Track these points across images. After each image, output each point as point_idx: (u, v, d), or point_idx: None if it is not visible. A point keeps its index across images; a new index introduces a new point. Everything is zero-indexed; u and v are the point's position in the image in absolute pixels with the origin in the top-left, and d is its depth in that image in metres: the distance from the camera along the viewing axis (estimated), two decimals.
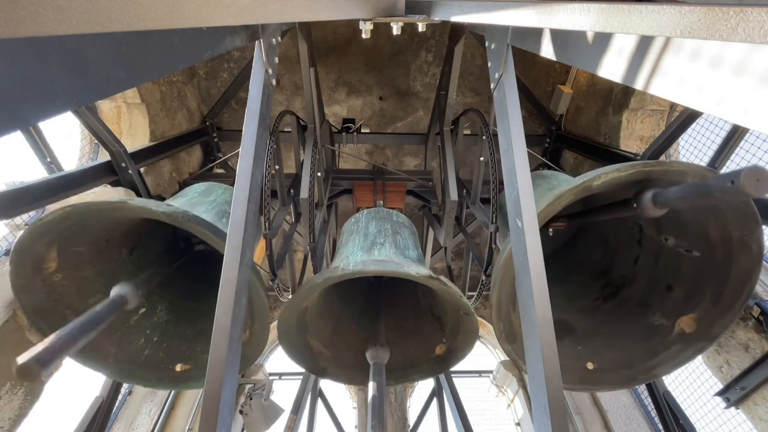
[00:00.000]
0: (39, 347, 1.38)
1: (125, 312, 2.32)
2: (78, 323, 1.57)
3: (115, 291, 1.92)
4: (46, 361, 1.36)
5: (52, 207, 3.06)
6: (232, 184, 3.82)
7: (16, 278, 2.08)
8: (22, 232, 1.95)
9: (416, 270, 2.02)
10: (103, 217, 2.12)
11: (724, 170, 3.27)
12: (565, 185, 1.91)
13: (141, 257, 2.69)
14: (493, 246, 2.85)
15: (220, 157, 4.92)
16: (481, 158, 3.17)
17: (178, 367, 2.48)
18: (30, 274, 2.09)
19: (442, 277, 2.05)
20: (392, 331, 2.69)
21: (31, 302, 2.17)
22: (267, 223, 2.74)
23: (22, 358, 1.31)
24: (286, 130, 3.46)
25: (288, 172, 3.76)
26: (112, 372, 2.40)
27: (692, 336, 2.21)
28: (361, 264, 2.08)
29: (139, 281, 2.02)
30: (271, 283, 3.04)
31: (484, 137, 3.03)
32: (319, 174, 3.38)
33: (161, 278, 2.58)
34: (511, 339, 2.24)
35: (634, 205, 1.82)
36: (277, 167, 3.07)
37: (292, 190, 3.64)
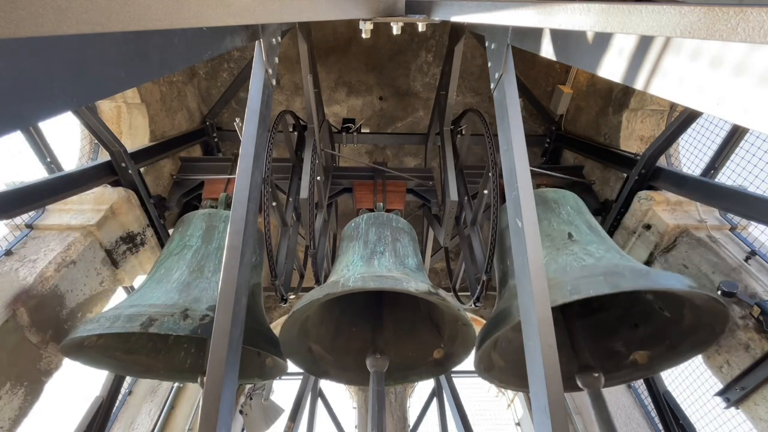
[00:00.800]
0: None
1: (163, 336, 2.72)
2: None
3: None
4: None
5: (52, 207, 3.06)
6: (229, 183, 3.79)
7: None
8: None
9: (415, 285, 2.03)
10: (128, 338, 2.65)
11: (723, 171, 3.27)
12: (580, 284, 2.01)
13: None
14: (493, 247, 2.85)
15: (220, 157, 4.92)
16: (485, 191, 3.12)
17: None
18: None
19: (441, 291, 2.07)
20: (391, 334, 2.70)
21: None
22: (273, 272, 2.89)
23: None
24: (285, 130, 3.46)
25: (286, 168, 3.76)
26: (167, 379, 3.02)
27: (641, 366, 2.60)
28: (361, 279, 2.08)
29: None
30: (274, 293, 3.06)
31: (487, 144, 3.02)
32: (319, 178, 3.38)
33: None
34: (488, 369, 2.70)
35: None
36: (275, 203, 3.10)
37: (291, 194, 3.64)
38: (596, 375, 2.13)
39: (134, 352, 2.68)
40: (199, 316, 2.10)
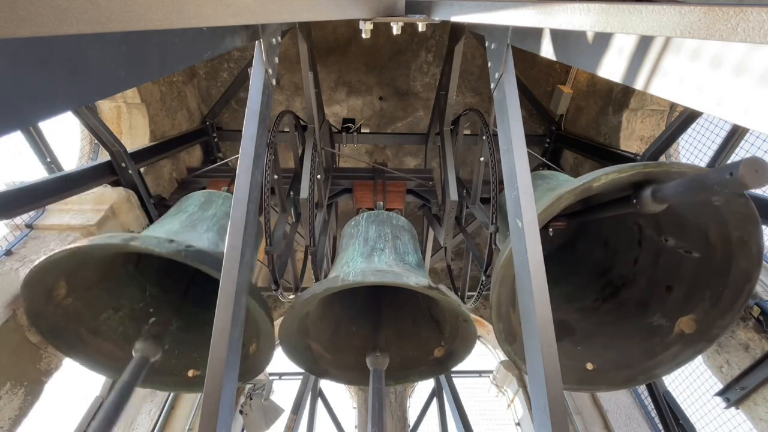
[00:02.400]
0: None
1: (137, 322, 2.51)
2: (114, 401, 1.73)
3: (136, 352, 2.02)
4: None
5: (52, 207, 3.06)
6: (232, 182, 3.80)
7: (30, 307, 2.18)
8: (29, 268, 2.03)
9: (416, 280, 2.03)
10: (107, 251, 2.21)
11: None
12: (565, 186, 1.91)
13: (147, 269, 2.73)
14: (493, 246, 2.85)
15: (221, 158, 4.92)
16: (481, 158, 3.17)
17: (190, 373, 2.56)
18: (42, 302, 2.20)
19: (442, 286, 2.06)
20: (392, 333, 2.69)
21: (47, 325, 2.26)
22: (268, 240, 2.73)
23: None
24: (286, 130, 3.46)
25: (287, 169, 3.76)
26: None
27: (692, 336, 2.21)
28: (360, 274, 2.08)
29: (155, 333, 2.14)
30: (273, 291, 3.04)
31: (484, 137, 3.03)
32: (319, 176, 3.38)
33: (169, 293, 2.61)
34: (510, 339, 2.24)
35: (634, 201, 1.82)
36: (276, 176, 3.06)
37: (291, 192, 3.64)
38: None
39: (102, 334, 2.46)
40: (185, 245, 2.01)
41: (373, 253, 2.55)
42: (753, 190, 2.13)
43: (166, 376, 2.53)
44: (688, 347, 2.23)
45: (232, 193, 3.51)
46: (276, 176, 3.05)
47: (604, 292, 2.64)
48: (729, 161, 3.21)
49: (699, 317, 2.18)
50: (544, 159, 5.10)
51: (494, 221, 2.83)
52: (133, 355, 2.03)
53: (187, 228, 2.48)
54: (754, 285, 2.04)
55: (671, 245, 2.29)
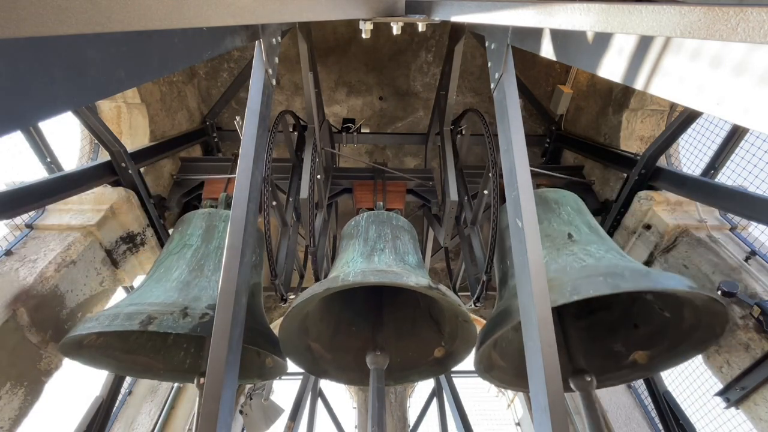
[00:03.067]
0: None
1: (162, 334, 2.70)
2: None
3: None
4: None
5: (52, 207, 3.06)
6: (229, 183, 3.79)
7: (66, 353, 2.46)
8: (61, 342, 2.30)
9: (416, 280, 2.02)
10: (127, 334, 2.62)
11: (723, 171, 3.27)
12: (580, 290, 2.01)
13: None
14: (493, 247, 2.85)
15: (220, 157, 4.92)
16: (485, 191, 3.13)
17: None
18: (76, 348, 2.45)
19: (441, 286, 2.06)
20: (392, 333, 2.69)
21: (88, 357, 2.53)
22: (273, 271, 2.89)
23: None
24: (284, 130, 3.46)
25: (286, 168, 3.76)
26: (166, 380, 2.95)
27: (642, 365, 2.59)
28: (361, 274, 2.08)
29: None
30: (274, 293, 3.06)
31: (487, 144, 3.03)
32: (319, 176, 3.38)
33: None
34: (488, 369, 2.68)
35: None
36: (274, 203, 3.09)
37: (291, 191, 3.64)
38: (588, 379, 2.13)
39: (133, 351, 2.68)
40: (199, 314, 2.10)
41: (373, 253, 2.55)
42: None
43: (194, 374, 2.69)
44: (635, 372, 2.65)
45: (229, 195, 3.53)
46: (275, 202, 3.09)
47: (581, 309, 2.78)
48: (729, 161, 3.22)
49: (653, 354, 2.55)
50: (543, 160, 5.11)
51: (488, 270, 2.85)
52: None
53: (195, 273, 2.53)
54: (707, 349, 2.46)
55: (649, 299, 2.58)
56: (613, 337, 2.72)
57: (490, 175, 2.97)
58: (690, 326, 2.37)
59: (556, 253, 2.48)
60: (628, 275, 2.00)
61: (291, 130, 3.56)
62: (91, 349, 2.48)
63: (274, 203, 3.05)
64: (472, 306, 3.14)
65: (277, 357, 2.48)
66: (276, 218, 3.28)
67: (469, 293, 3.29)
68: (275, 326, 5.31)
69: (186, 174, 4.10)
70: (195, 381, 2.35)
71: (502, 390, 6.72)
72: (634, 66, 0.85)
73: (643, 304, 2.62)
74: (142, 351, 2.71)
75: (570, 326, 2.54)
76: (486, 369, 2.68)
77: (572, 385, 2.19)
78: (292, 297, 3.54)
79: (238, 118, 3.09)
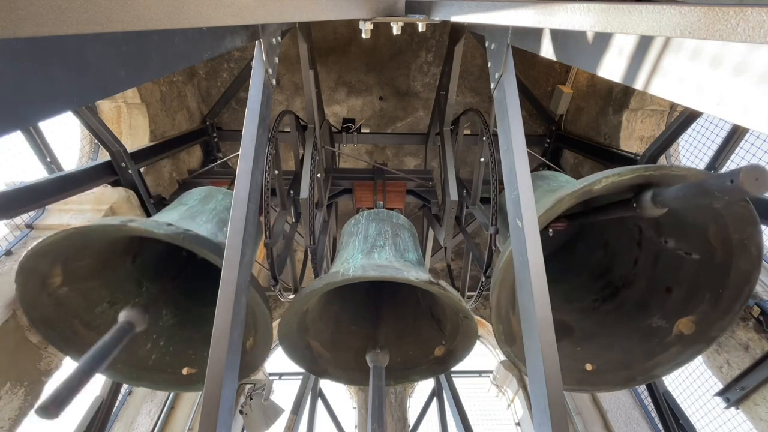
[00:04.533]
0: (56, 388, 1.45)
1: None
2: (89, 358, 1.63)
3: (122, 317, 1.93)
4: (63, 401, 1.45)
5: (52, 207, 3.06)
6: (232, 183, 3.80)
7: (23, 295, 2.11)
8: (24, 252, 1.98)
9: (416, 275, 2.02)
10: (105, 235, 2.16)
11: (723, 170, 3.27)
12: (565, 188, 1.91)
13: (145, 264, 2.70)
14: (493, 247, 2.85)
15: (221, 158, 4.92)
16: (481, 159, 3.17)
17: (185, 371, 2.51)
18: (36, 290, 2.13)
19: (442, 282, 2.06)
20: (392, 332, 2.69)
21: (40, 315, 2.20)
22: (267, 232, 2.75)
23: (41, 401, 1.39)
24: (286, 130, 3.46)
25: (287, 170, 3.77)
26: (122, 377, 2.45)
27: (691, 338, 2.21)
28: (361, 269, 2.08)
29: (145, 303, 2.03)
30: (272, 288, 3.04)
31: (484, 138, 3.03)
32: (319, 175, 3.38)
33: (166, 289, 2.59)
34: (510, 341, 2.24)
35: (634, 204, 1.82)
36: (276, 171, 3.06)
37: (291, 191, 3.64)
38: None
39: (95, 328, 2.39)
40: (183, 228, 1.99)
41: (373, 250, 2.55)
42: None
43: (161, 374, 2.49)
44: (686, 348, 2.23)
45: (229, 189, 3.50)
46: (277, 171, 3.05)
47: (603, 293, 2.64)
48: (729, 161, 3.22)
49: (698, 319, 2.19)
50: (544, 159, 5.11)
51: (494, 222, 2.83)
52: (119, 320, 1.93)
53: (185, 219, 2.46)
54: (754, 286, 2.03)
55: (671, 247, 2.29)
56: (647, 311, 2.39)
57: (490, 175, 2.97)
58: (725, 259, 2.03)
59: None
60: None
61: (291, 130, 3.56)
62: (50, 303, 2.19)
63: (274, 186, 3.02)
64: (472, 306, 3.14)
65: (258, 336, 2.33)
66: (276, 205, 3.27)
67: (471, 293, 3.29)
68: (275, 326, 5.30)
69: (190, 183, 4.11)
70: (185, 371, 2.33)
71: (502, 390, 6.72)
72: (634, 66, 0.85)
73: (668, 257, 2.30)
74: (105, 330, 2.50)
75: (583, 321, 2.43)
76: (508, 341, 2.23)
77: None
78: (291, 297, 3.54)
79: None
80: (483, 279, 2.95)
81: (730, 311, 2.09)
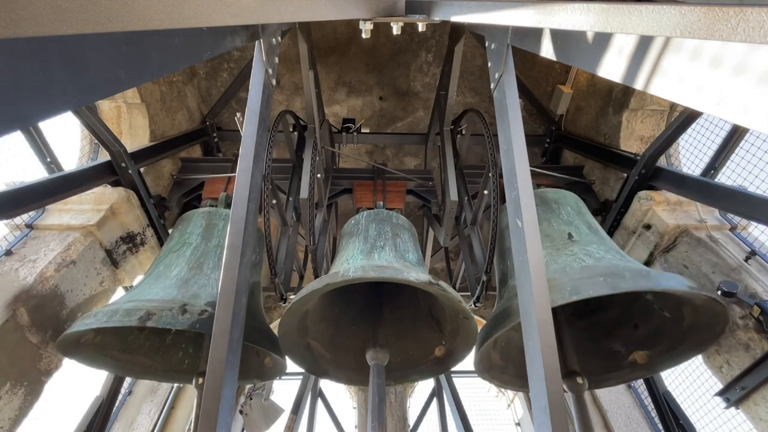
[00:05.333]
0: None
1: (161, 333, 2.75)
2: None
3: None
4: None
5: (52, 207, 3.06)
6: (229, 182, 3.79)
7: (65, 353, 2.47)
8: (63, 335, 2.27)
9: (416, 276, 2.02)
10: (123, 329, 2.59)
11: (723, 171, 3.26)
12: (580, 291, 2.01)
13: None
14: (493, 247, 2.85)
15: (221, 158, 4.92)
16: (485, 191, 3.15)
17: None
18: (74, 346, 2.45)
19: (442, 282, 2.06)
20: (392, 332, 2.69)
21: (82, 359, 2.52)
22: (272, 270, 2.89)
23: None
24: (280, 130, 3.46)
25: (286, 168, 3.76)
26: (164, 380, 2.93)
27: (641, 365, 2.59)
28: (361, 270, 2.08)
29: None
30: (272, 289, 3.05)
31: (486, 139, 3.03)
32: (319, 175, 3.38)
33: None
34: (488, 369, 2.69)
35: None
36: (274, 201, 3.10)
37: (291, 193, 3.64)
38: (581, 381, 2.13)
39: (132, 351, 2.68)
40: (198, 311, 2.09)
41: (373, 250, 2.55)
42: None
43: (192, 374, 2.66)
44: (635, 372, 2.64)
45: (229, 195, 3.52)
46: (275, 201, 3.09)
47: (579, 309, 2.77)
48: (729, 161, 3.22)
49: (652, 354, 2.55)
50: (543, 160, 5.11)
51: (488, 270, 2.85)
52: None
53: (194, 271, 2.53)
54: (707, 349, 2.50)
55: (649, 299, 2.58)
56: (613, 336, 2.71)
57: (490, 175, 2.97)
58: (690, 326, 2.37)
59: (556, 254, 2.48)
60: (628, 276, 2.00)
61: (291, 130, 3.56)
62: (88, 348, 2.48)
63: (274, 201, 3.05)
64: (473, 306, 3.14)
65: (276, 356, 2.48)
66: (276, 218, 3.28)
67: (469, 293, 3.28)
68: (275, 327, 5.31)
69: (186, 174, 4.10)
70: (194, 381, 2.35)
71: (502, 390, 6.72)
72: (634, 66, 0.85)
73: (643, 304, 2.62)
74: (140, 351, 2.71)
75: (567, 326, 2.54)
76: (486, 369, 2.68)
77: (564, 387, 2.20)
78: (291, 297, 3.54)
79: (238, 114, 3.10)
80: (483, 279, 2.95)
81: (680, 358, 2.49)
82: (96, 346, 2.52)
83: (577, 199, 3.07)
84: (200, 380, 2.34)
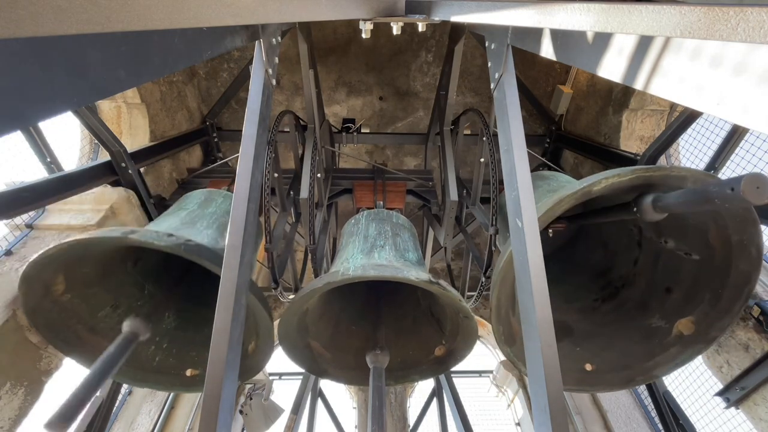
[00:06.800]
0: (62, 404, 1.47)
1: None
2: (95, 371, 1.67)
3: (125, 327, 1.96)
4: (70, 416, 1.48)
5: (52, 207, 3.06)
6: (232, 182, 3.80)
7: (27, 302, 2.14)
8: (27, 261, 2.00)
9: (416, 274, 2.02)
10: (106, 245, 2.18)
11: (723, 171, 3.27)
12: (565, 189, 1.91)
13: (146, 268, 2.71)
14: (493, 248, 2.85)
15: (221, 158, 4.92)
16: (481, 159, 3.17)
17: (188, 372, 2.53)
18: (40, 297, 2.16)
19: (442, 281, 2.06)
20: (392, 331, 2.69)
21: (44, 322, 2.23)
22: (268, 236, 2.75)
23: (49, 418, 1.40)
24: (285, 130, 3.46)
25: (287, 169, 3.76)
26: (127, 379, 2.48)
27: (690, 338, 2.21)
28: (361, 268, 2.08)
29: (147, 308, 2.04)
30: (273, 290, 3.04)
31: (484, 138, 3.03)
32: (319, 175, 3.38)
33: (167, 292, 2.60)
34: (509, 341, 2.25)
35: (634, 208, 1.82)
36: (276, 174, 3.06)
37: (291, 191, 3.64)
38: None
39: (99, 332, 2.41)
40: (184, 238, 1.99)
41: (373, 249, 2.55)
42: None
43: (164, 376, 2.51)
44: (686, 348, 2.23)
45: (230, 190, 3.51)
46: (276, 174, 3.04)
47: (603, 293, 2.64)
48: (729, 161, 3.22)
49: (698, 319, 2.19)
50: (544, 159, 5.11)
51: (494, 223, 2.83)
52: (122, 330, 1.96)
53: (186, 225, 2.47)
54: (754, 287, 2.03)
55: (671, 247, 2.29)
56: (647, 311, 2.39)
57: (491, 177, 2.97)
58: (724, 259, 2.02)
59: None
60: None
61: (291, 130, 3.56)
62: (53, 309, 2.23)
63: (274, 186, 3.02)
64: (473, 304, 3.14)
65: (261, 341, 2.34)
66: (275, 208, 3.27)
67: (474, 294, 3.28)
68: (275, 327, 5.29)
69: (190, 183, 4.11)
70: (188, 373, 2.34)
71: (502, 390, 6.72)
72: (634, 66, 0.85)
73: (668, 257, 2.31)
74: (109, 333, 2.42)
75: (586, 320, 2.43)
76: (507, 341, 2.24)
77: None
78: (291, 297, 3.54)
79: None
80: (483, 279, 2.95)
81: (729, 312, 2.09)
82: (62, 311, 2.24)
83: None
84: (189, 372, 2.32)
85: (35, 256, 1.98)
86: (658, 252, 2.39)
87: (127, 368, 2.43)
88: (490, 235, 2.83)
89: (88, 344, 2.36)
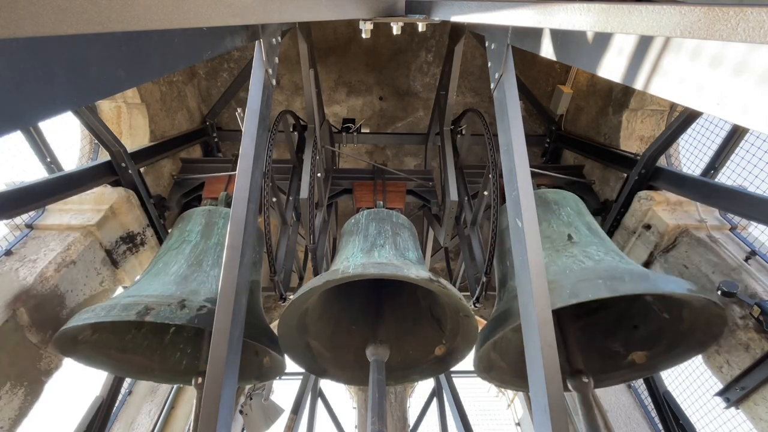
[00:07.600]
0: None
1: (159, 333, 2.75)
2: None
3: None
4: None
5: (52, 207, 3.06)
6: (230, 180, 3.77)
7: (62, 350, 2.45)
8: (57, 333, 2.28)
9: (416, 273, 2.02)
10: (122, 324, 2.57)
11: (723, 171, 3.26)
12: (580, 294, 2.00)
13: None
14: (493, 247, 2.85)
15: (221, 158, 4.92)
16: (485, 192, 3.15)
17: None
18: (73, 342, 2.44)
19: (442, 280, 2.05)
20: (392, 332, 2.69)
21: (81, 357, 2.53)
22: (271, 266, 2.89)
23: None
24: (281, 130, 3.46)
25: (284, 163, 3.76)
26: (162, 381, 2.89)
27: (640, 366, 2.61)
28: (361, 267, 2.08)
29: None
30: (272, 289, 3.05)
31: (487, 144, 3.03)
32: (319, 175, 3.38)
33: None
34: (487, 370, 2.68)
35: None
36: (274, 199, 3.09)
37: (291, 191, 3.64)
38: (586, 380, 2.14)
39: (129, 351, 2.66)
40: (197, 306, 2.08)
41: (373, 248, 2.55)
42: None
43: (191, 375, 2.65)
44: (634, 372, 2.67)
45: (229, 194, 3.52)
46: (275, 198, 3.08)
47: (580, 309, 2.76)
48: (729, 161, 3.22)
49: (651, 355, 2.57)
50: (543, 160, 5.11)
51: (487, 271, 2.85)
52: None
53: (193, 268, 2.53)
54: (705, 350, 2.50)
55: (649, 300, 2.59)
56: (613, 337, 2.72)
57: (490, 176, 2.97)
58: (689, 327, 2.38)
59: (556, 255, 2.48)
60: (628, 278, 2.00)
61: (291, 130, 3.56)
62: (86, 346, 2.47)
63: (274, 200, 3.05)
64: (473, 306, 3.14)
65: (275, 355, 2.47)
66: (276, 217, 3.28)
67: (469, 293, 3.28)
68: (274, 327, 5.29)
69: (186, 174, 4.10)
70: (193, 381, 2.34)
71: (502, 390, 6.72)
72: (634, 66, 0.85)
73: (643, 305, 2.62)
74: (138, 351, 2.69)
75: (568, 327, 2.54)
76: (485, 369, 2.68)
77: (570, 386, 2.19)
78: (291, 297, 3.54)
79: (239, 110, 3.11)
80: (483, 279, 2.95)
81: (679, 358, 2.50)
82: (93, 344, 2.50)
83: (577, 200, 3.07)
84: (200, 380, 2.34)
85: (61, 329, 2.23)
86: (638, 298, 2.63)
87: (161, 374, 2.79)
88: (491, 235, 2.83)
89: (122, 360, 2.66)
